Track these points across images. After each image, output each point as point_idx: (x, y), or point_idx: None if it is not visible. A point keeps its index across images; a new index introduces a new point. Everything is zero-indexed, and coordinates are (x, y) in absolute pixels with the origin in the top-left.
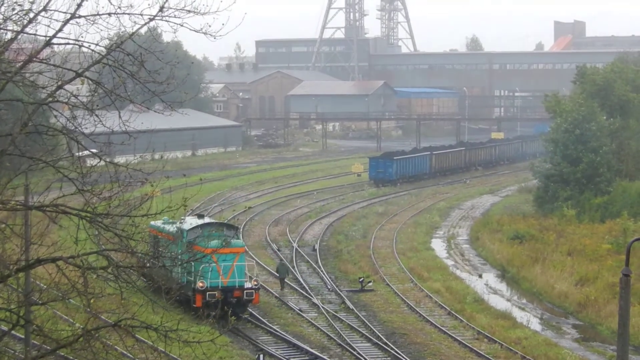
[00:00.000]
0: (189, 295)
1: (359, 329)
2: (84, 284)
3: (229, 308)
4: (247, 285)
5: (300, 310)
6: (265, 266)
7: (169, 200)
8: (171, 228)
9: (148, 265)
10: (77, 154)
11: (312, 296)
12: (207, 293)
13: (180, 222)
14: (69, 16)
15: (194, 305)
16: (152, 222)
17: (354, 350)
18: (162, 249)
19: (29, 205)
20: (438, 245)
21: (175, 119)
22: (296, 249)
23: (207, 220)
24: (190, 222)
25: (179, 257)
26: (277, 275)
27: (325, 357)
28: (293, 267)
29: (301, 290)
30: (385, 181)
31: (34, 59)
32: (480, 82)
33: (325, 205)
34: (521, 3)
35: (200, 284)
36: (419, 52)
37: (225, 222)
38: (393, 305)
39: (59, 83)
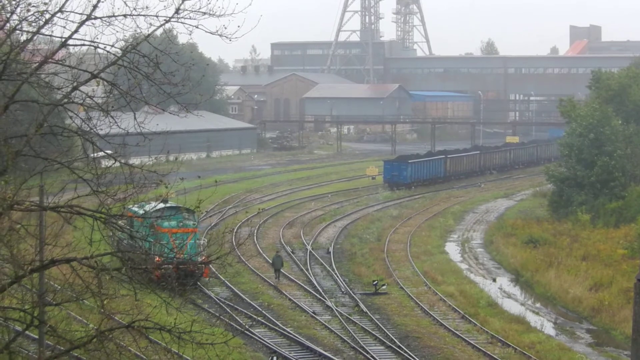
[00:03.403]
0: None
1: (373, 332)
2: (98, 285)
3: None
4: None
5: (314, 312)
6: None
7: (184, 202)
8: (140, 211)
9: (162, 267)
10: (92, 155)
11: (325, 299)
12: (163, 267)
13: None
14: (84, 17)
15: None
16: (129, 207)
17: (368, 353)
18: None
19: (44, 205)
20: (452, 249)
21: (190, 120)
22: (310, 252)
23: (167, 204)
24: (155, 206)
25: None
26: (273, 266)
27: (338, 359)
28: (307, 270)
29: (315, 293)
30: (399, 184)
31: (50, 60)
32: (496, 86)
33: (339, 208)
34: (537, 7)
35: (157, 259)
36: (434, 55)
37: (184, 206)
38: (407, 309)
39: (75, 84)
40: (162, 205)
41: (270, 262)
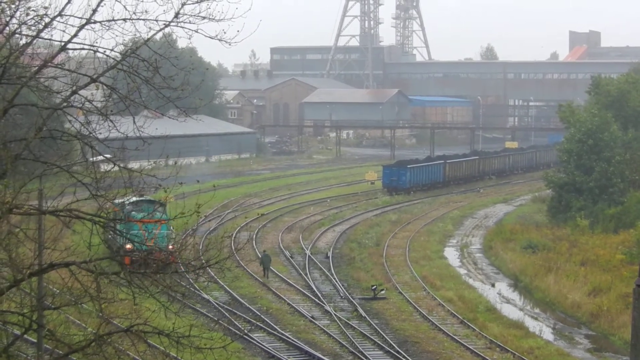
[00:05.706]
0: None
1: (371, 337)
2: (96, 289)
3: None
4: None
5: (312, 317)
6: (278, 273)
7: (182, 206)
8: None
9: (161, 271)
10: (91, 159)
11: (324, 303)
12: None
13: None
14: (84, 21)
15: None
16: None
17: (366, 358)
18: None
19: (43, 209)
20: (451, 254)
21: (190, 125)
22: (309, 256)
23: (142, 198)
24: (131, 199)
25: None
26: (261, 264)
27: None
28: (306, 275)
29: (314, 298)
30: (398, 189)
31: (49, 63)
32: (495, 91)
33: (338, 213)
34: (537, 12)
35: (128, 246)
36: (434, 60)
37: (157, 200)
38: (405, 314)
39: (74, 88)
40: (136, 199)
41: (260, 263)
